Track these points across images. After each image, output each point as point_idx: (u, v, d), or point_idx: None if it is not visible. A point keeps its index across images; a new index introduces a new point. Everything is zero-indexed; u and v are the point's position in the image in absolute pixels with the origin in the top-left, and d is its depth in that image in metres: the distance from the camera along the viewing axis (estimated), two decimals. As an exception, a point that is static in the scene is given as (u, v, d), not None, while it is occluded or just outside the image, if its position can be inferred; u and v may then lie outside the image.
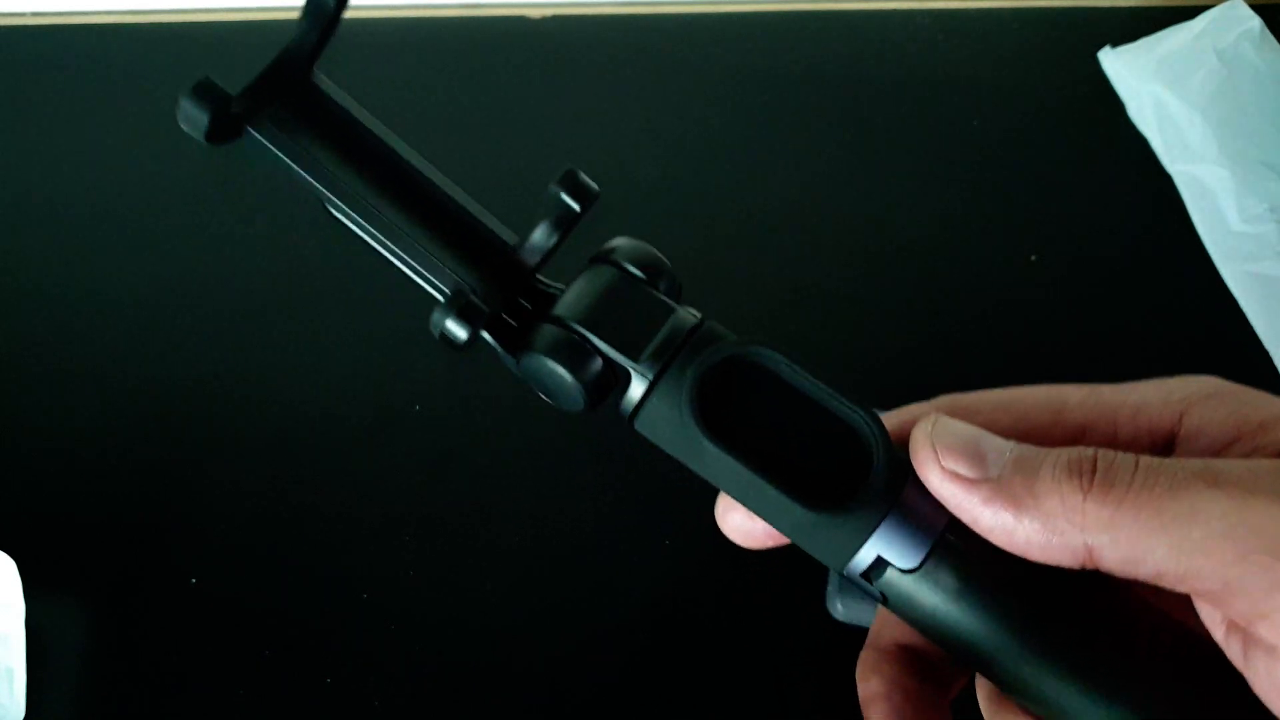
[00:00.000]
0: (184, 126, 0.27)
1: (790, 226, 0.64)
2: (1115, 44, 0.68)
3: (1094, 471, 0.24)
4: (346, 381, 0.58)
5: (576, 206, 0.28)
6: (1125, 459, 0.24)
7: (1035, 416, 0.27)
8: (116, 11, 0.69)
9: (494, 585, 0.53)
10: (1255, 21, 0.66)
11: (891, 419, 0.29)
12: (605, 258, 0.28)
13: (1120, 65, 0.68)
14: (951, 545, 0.25)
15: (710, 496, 0.47)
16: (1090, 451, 0.24)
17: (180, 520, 0.54)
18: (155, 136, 0.65)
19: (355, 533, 0.54)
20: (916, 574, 0.25)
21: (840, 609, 0.51)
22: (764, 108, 0.68)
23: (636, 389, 0.27)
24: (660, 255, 0.28)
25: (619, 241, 0.29)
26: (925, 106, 0.68)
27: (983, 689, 0.28)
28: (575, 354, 0.27)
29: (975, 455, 0.25)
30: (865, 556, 0.26)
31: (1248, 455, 0.25)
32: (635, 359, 0.27)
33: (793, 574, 0.53)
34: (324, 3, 0.28)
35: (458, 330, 0.26)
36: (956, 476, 0.25)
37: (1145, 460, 0.24)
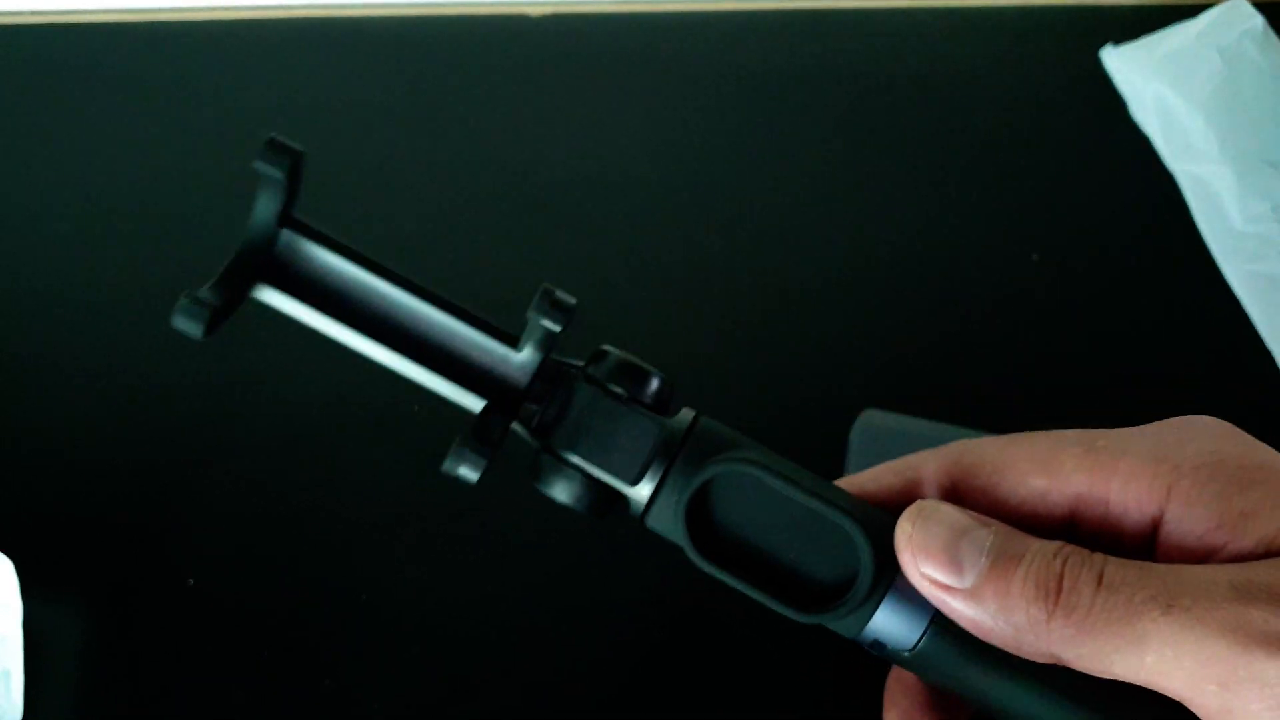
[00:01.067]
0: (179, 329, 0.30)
1: (790, 226, 0.64)
2: (1117, 42, 0.68)
3: (1059, 591, 0.26)
4: (346, 381, 0.58)
5: (557, 327, 0.30)
6: (1089, 574, 0.26)
7: (1033, 482, 0.29)
8: (116, 11, 0.69)
9: (494, 586, 0.53)
10: (1258, 20, 0.66)
11: (896, 467, 0.31)
12: (591, 377, 0.30)
13: (1122, 63, 0.68)
14: (943, 625, 0.28)
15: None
16: (1058, 563, 0.26)
17: (178, 521, 0.54)
18: (155, 136, 0.65)
19: (355, 533, 0.54)
20: (915, 651, 0.28)
21: None
22: (764, 107, 0.68)
23: (644, 492, 0.30)
24: (643, 365, 0.30)
25: (608, 353, 0.30)
26: (926, 105, 0.68)
27: None
28: (572, 486, 0.30)
29: (953, 563, 0.27)
30: (864, 639, 0.29)
31: (1223, 550, 0.27)
32: (630, 482, 0.29)
33: None
34: (276, 179, 0.29)
35: (470, 474, 0.30)
36: (935, 581, 0.27)
37: (1110, 573, 0.26)
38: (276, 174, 0.29)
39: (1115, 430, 0.29)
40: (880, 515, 0.29)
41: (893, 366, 0.59)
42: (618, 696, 0.51)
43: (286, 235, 0.31)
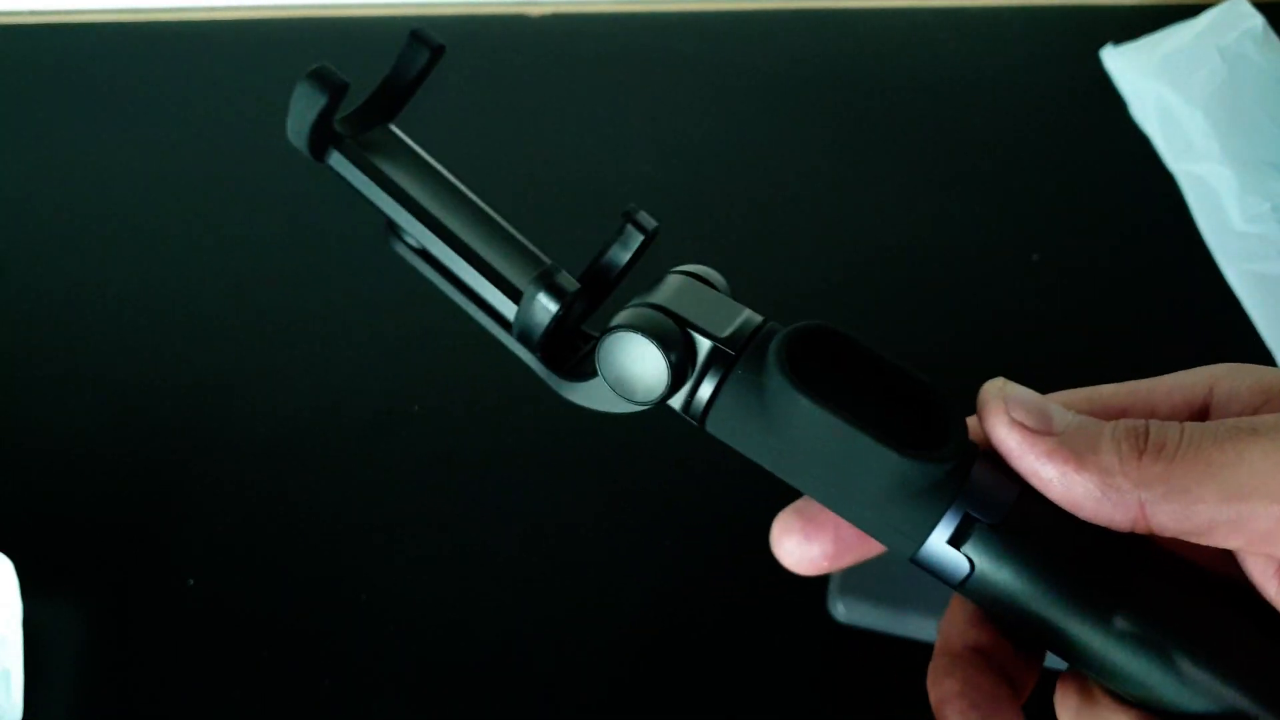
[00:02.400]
0: (291, 123, 0.29)
1: (790, 225, 0.64)
2: (1117, 42, 0.68)
3: (1147, 435, 0.26)
4: (346, 381, 0.58)
5: (640, 234, 0.30)
6: (1172, 426, 0.26)
7: (1075, 405, 0.29)
8: (116, 11, 0.69)
9: (494, 585, 0.53)
10: (1258, 19, 0.66)
11: None
12: (673, 271, 0.29)
13: (1122, 63, 0.68)
14: (1030, 501, 0.26)
15: (712, 499, 0.47)
16: (1142, 422, 0.26)
17: (178, 521, 0.54)
18: (155, 136, 0.65)
19: (355, 533, 0.54)
20: (1000, 530, 0.26)
21: (841, 610, 0.51)
22: (764, 106, 0.68)
23: (709, 385, 0.27)
24: (723, 280, 0.30)
25: (684, 266, 0.30)
26: (927, 105, 0.68)
27: (1065, 702, 0.29)
28: (661, 328, 0.27)
29: (1042, 412, 0.27)
30: (950, 519, 0.26)
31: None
32: (718, 337, 0.27)
33: (793, 575, 0.52)
34: (418, 54, 0.30)
35: (549, 304, 0.28)
36: (1023, 427, 0.26)
37: (1190, 425, 0.26)
38: (434, 42, 0.30)
39: (1130, 382, 0.30)
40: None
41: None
42: (616, 695, 0.51)
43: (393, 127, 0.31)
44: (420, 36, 0.30)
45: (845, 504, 0.27)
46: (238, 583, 0.52)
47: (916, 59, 0.70)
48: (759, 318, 0.28)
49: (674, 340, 0.27)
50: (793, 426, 0.26)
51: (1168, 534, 0.26)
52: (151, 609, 0.52)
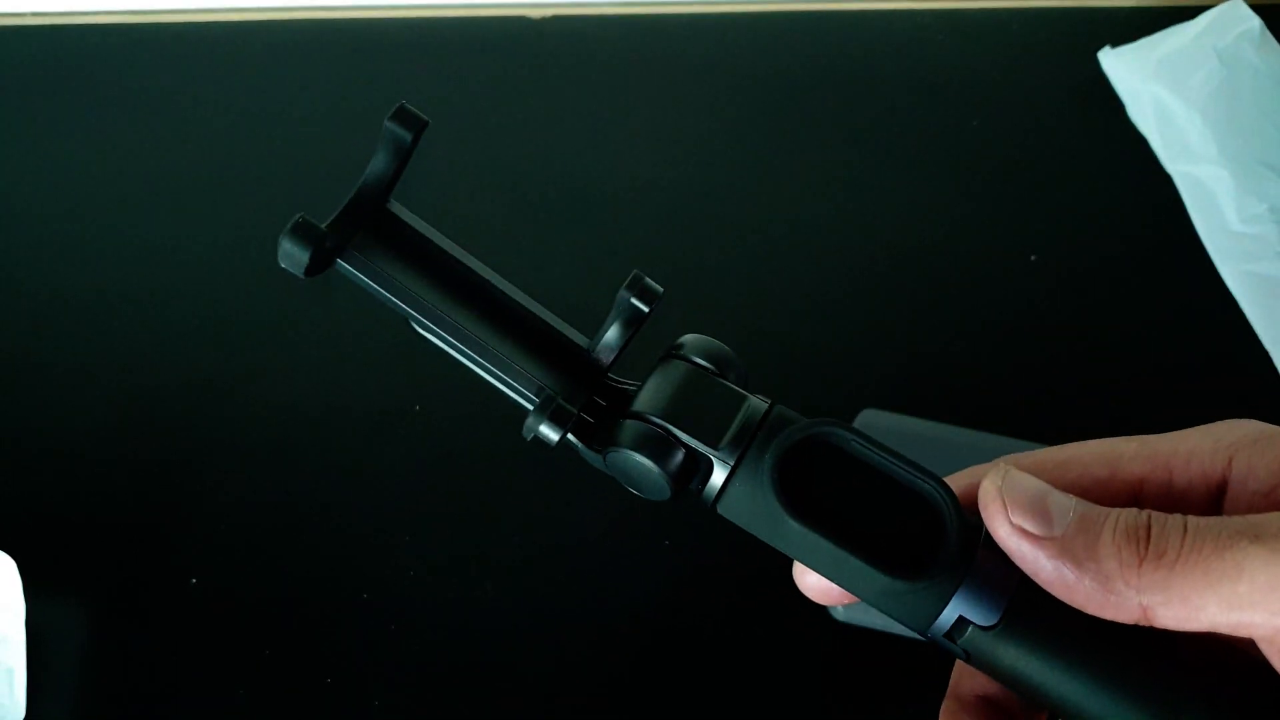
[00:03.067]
0: (283, 264, 0.29)
1: (789, 226, 0.64)
2: (1115, 44, 0.68)
3: (1148, 537, 0.26)
4: (346, 381, 0.58)
5: (644, 308, 0.30)
6: (1175, 522, 0.26)
7: (1095, 472, 0.29)
8: (116, 11, 0.70)
9: (494, 585, 0.53)
10: (1255, 21, 0.66)
11: (960, 479, 0.30)
12: (676, 353, 0.30)
13: (1120, 65, 0.68)
14: (1027, 600, 0.27)
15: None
16: (1144, 516, 0.26)
17: (180, 520, 0.54)
18: (155, 136, 0.65)
19: (355, 533, 0.54)
20: (996, 630, 0.27)
21: (840, 610, 0.51)
22: (764, 107, 0.68)
23: (718, 476, 0.28)
24: (727, 349, 0.30)
25: (689, 338, 0.31)
26: (925, 106, 0.68)
27: None
28: (659, 446, 0.28)
29: (1041, 512, 0.27)
30: (947, 618, 0.27)
31: None
32: (715, 447, 0.28)
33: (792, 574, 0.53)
34: (402, 140, 0.30)
35: (550, 433, 0.29)
36: (1024, 532, 0.26)
37: (1193, 522, 0.26)
38: (405, 137, 0.30)
39: (1150, 436, 0.30)
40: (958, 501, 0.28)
41: (892, 366, 0.59)
42: (616, 694, 0.51)
43: (393, 202, 0.31)
44: (402, 115, 0.30)
45: (850, 587, 0.28)
46: (240, 582, 0.52)
47: (915, 61, 0.70)
48: (763, 406, 0.29)
49: (673, 456, 0.28)
50: (791, 536, 0.27)
51: (1172, 629, 0.26)
52: (154, 608, 0.52)
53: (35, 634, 0.48)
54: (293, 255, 0.29)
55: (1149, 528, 0.26)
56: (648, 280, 0.30)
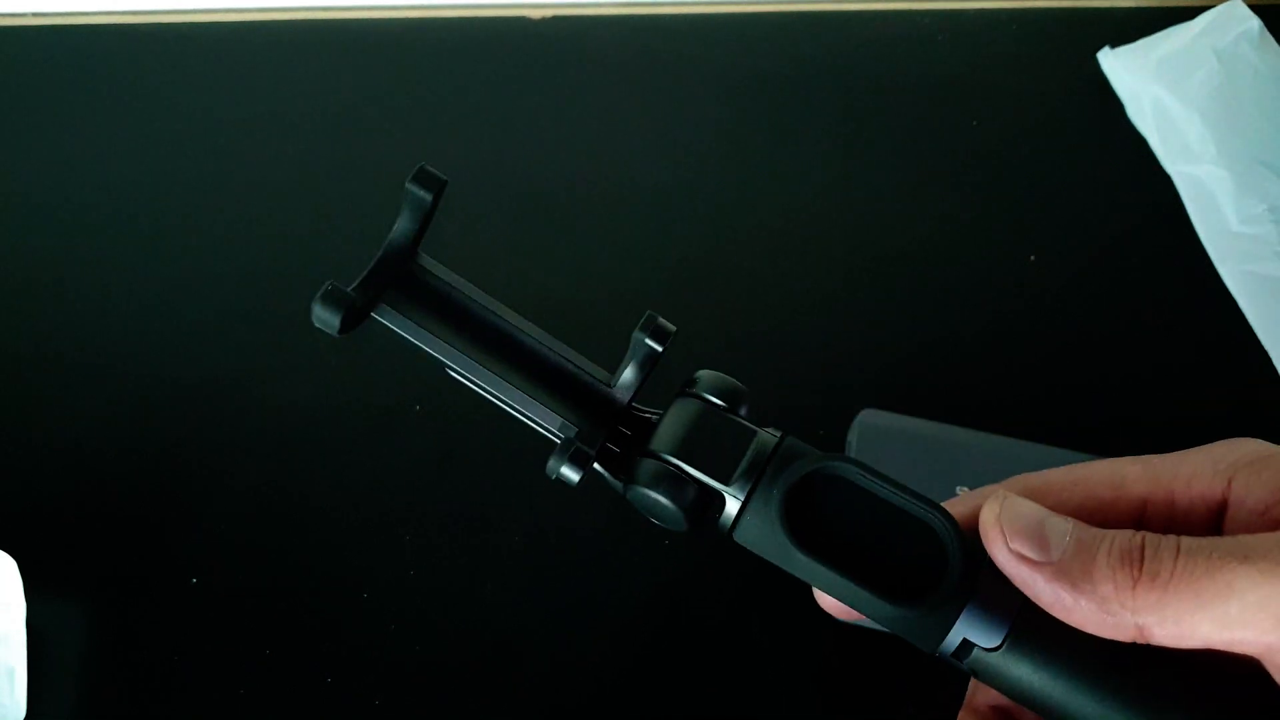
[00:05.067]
0: (318, 324, 0.31)
1: (789, 226, 0.64)
2: (1114, 44, 0.69)
3: (1142, 559, 0.27)
4: (346, 381, 0.58)
5: (658, 348, 0.32)
6: (1168, 544, 0.27)
7: (1100, 493, 0.31)
8: (116, 11, 0.70)
9: (494, 585, 0.53)
10: (1254, 22, 0.66)
11: (962, 504, 0.32)
12: (690, 391, 0.32)
13: (1119, 66, 0.68)
14: (1030, 620, 0.28)
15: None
16: (1138, 539, 0.27)
17: (181, 519, 0.54)
18: (155, 136, 0.65)
19: (355, 533, 0.54)
20: (1001, 651, 0.29)
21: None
22: (764, 108, 0.68)
23: (731, 507, 0.30)
24: (739, 385, 0.32)
25: (702, 374, 0.32)
26: (925, 106, 0.68)
27: None
28: (673, 484, 0.30)
29: (1039, 538, 0.28)
30: (952, 640, 0.29)
31: None
32: (726, 482, 0.30)
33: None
34: (423, 200, 0.32)
35: (571, 474, 0.31)
36: (1022, 557, 0.28)
37: (1186, 543, 0.27)
38: (426, 198, 0.32)
39: (1154, 456, 0.31)
40: (961, 527, 0.30)
41: (891, 366, 0.59)
42: (616, 694, 0.51)
43: (422, 255, 0.33)
44: (422, 177, 0.32)
45: (859, 610, 0.30)
46: (240, 581, 0.52)
47: (915, 61, 0.70)
48: (773, 440, 0.31)
49: (687, 492, 0.30)
50: (800, 565, 0.29)
51: (1169, 646, 0.27)
52: (154, 607, 0.52)
53: (35, 634, 0.48)
54: (325, 319, 0.31)
55: (1143, 550, 0.27)
56: (660, 320, 0.32)
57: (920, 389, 0.58)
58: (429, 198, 0.32)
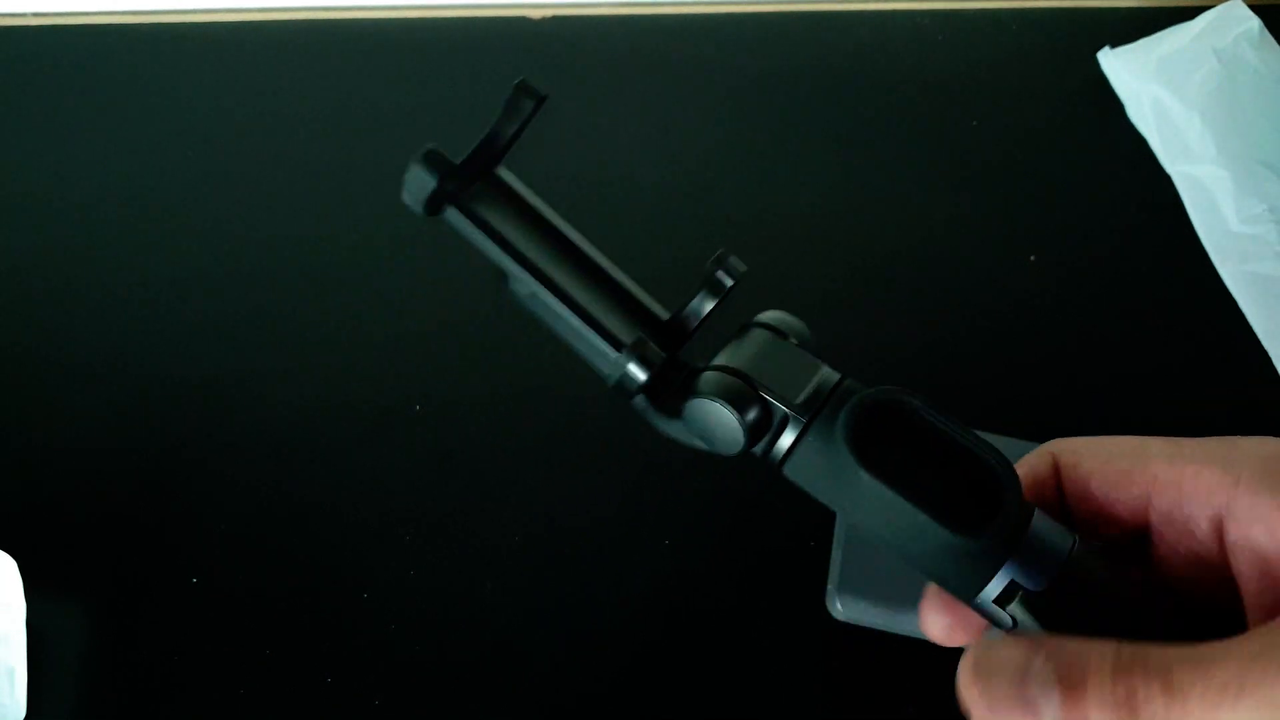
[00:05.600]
0: (406, 194, 0.32)
1: (789, 226, 0.64)
2: (1114, 45, 0.69)
3: (1133, 708, 0.26)
4: (346, 381, 0.58)
5: (730, 281, 0.32)
6: (1157, 686, 0.26)
7: (1119, 464, 0.31)
8: (116, 11, 0.70)
9: (494, 585, 0.53)
10: (1254, 22, 0.66)
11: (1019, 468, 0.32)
12: (755, 323, 0.32)
13: (1119, 66, 0.68)
14: (1076, 565, 0.29)
15: (712, 498, 0.47)
16: (1121, 690, 0.27)
17: (181, 520, 0.54)
18: (155, 136, 0.65)
19: (355, 533, 0.54)
20: (1042, 597, 0.29)
21: (840, 608, 0.51)
22: (764, 108, 0.68)
23: (787, 438, 0.30)
24: (804, 325, 0.33)
25: (768, 313, 0.33)
26: (925, 106, 0.68)
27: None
28: (739, 395, 0.30)
29: (1028, 706, 0.28)
30: (997, 583, 0.29)
31: None
32: (790, 404, 0.30)
33: (793, 574, 0.53)
34: (524, 107, 0.33)
35: (638, 373, 0.31)
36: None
37: (1175, 680, 0.26)
38: (527, 105, 0.33)
39: (1188, 439, 0.31)
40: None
41: (891, 366, 0.59)
42: (616, 693, 0.51)
43: (503, 169, 0.34)
44: (525, 88, 0.32)
45: (906, 553, 0.29)
46: (240, 581, 0.52)
47: (915, 61, 0.70)
48: (835, 376, 0.31)
49: (751, 407, 0.30)
50: (857, 492, 0.29)
51: None
52: (154, 607, 0.52)
53: (35, 634, 0.48)
54: (419, 181, 0.31)
55: (1132, 694, 0.27)
56: (733, 258, 0.33)
57: (920, 389, 0.58)
58: (530, 105, 0.32)
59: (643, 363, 0.31)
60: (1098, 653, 0.27)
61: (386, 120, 0.66)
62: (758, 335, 0.32)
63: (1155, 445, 0.31)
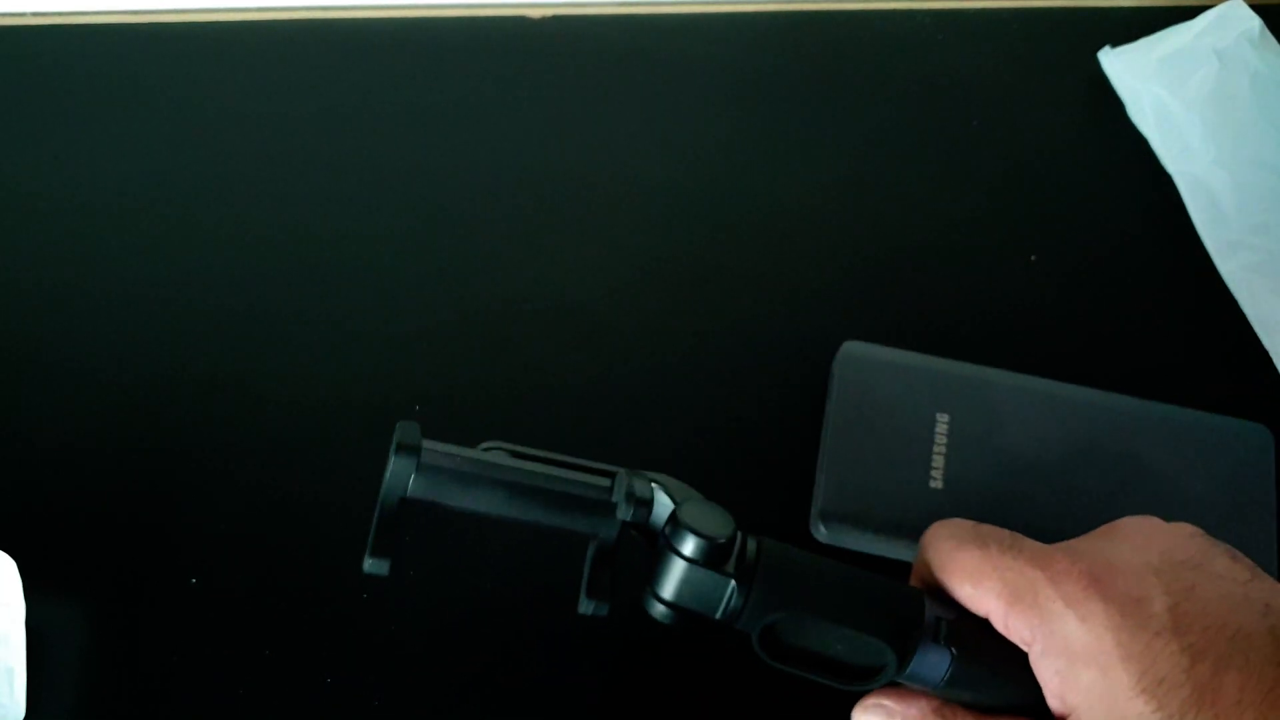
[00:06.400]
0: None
1: (789, 226, 0.64)
2: (1115, 44, 0.69)
3: None
4: (346, 381, 0.58)
5: (628, 517, 0.43)
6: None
7: (961, 591, 0.42)
8: (116, 11, 0.69)
9: (494, 585, 0.53)
10: (1255, 22, 0.66)
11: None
12: (676, 550, 0.42)
13: (1120, 65, 0.68)
14: (957, 669, 0.40)
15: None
16: None
17: (181, 520, 0.54)
18: (155, 136, 0.65)
19: (355, 532, 0.54)
20: (943, 687, 0.41)
21: (823, 531, 0.53)
22: (764, 108, 0.68)
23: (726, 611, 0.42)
24: (724, 520, 0.42)
25: (688, 529, 0.41)
26: (925, 106, 0.68)
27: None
28: (670, 611, 0.43)
29: None
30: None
31: None
32: (715, 616, 0.42)
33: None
34: (405, 467, 0.43)
35: (596, 611, 0.44)
36: None
37: None
38: (409, 466, 0.41)
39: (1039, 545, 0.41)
40: (899, 617, 0.40)
41: (891, 367, 0.59)
42: (615, 693, 0.51)
43: (416, 480, 0.42)
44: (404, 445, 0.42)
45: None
46: (240, 582, 0.52)
47: (914, 61, 0.70)
48: (751, 554, 0.43)
49: (681, 617, 0.43)
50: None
51: None
52: (154, 608, 0.52)
53: (35, 634, 0.48)
54: (380, 572, 0.43)
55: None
56: (638, 487, 0.43)
57: (920, 389, 0.58)
58: (412, 466, 0.42)
59: (593, 599, 0.44)
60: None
61: (386, 120, 0.66)
62: (677, 567, 0.42)
63: (992, 578, 0.40)
